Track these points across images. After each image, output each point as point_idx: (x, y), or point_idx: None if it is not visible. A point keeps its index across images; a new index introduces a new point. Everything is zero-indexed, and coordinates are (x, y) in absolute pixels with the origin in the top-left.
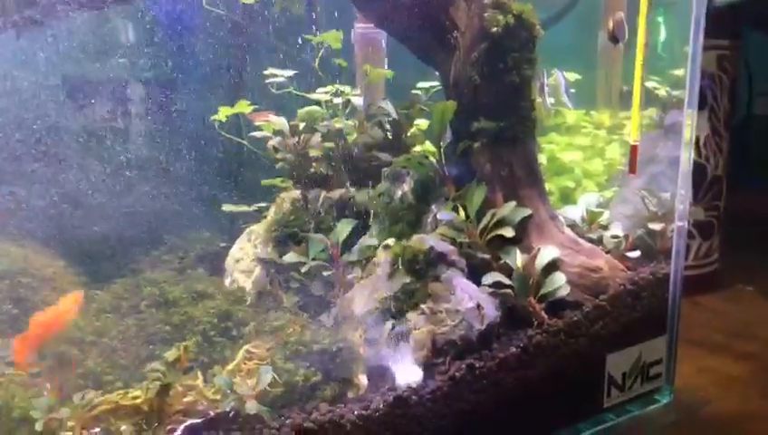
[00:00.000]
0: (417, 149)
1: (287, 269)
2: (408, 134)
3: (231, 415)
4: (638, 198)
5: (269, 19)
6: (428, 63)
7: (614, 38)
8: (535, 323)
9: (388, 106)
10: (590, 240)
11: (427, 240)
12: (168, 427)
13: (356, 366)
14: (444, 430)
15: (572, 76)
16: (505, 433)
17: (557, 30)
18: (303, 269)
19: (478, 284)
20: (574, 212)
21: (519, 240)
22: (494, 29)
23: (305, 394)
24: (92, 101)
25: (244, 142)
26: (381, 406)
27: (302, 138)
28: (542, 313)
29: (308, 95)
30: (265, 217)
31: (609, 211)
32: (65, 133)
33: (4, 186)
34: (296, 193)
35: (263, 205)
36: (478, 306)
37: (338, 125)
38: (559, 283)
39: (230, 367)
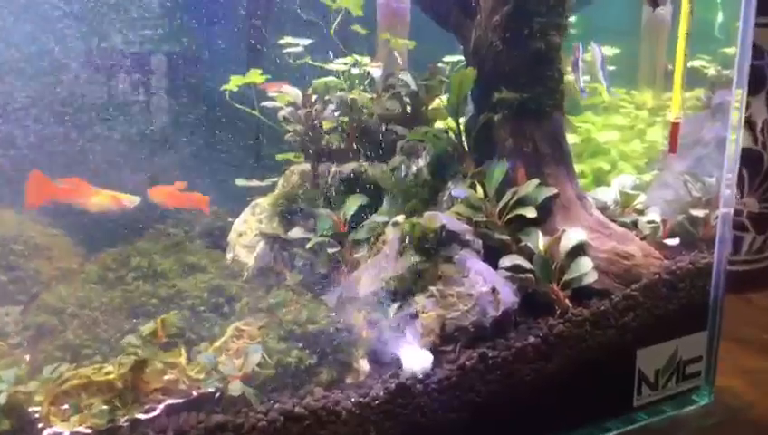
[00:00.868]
0: (440, 124)
1: (293, 245)
2: (430, 107)
3: (216, 396)
4: (680, 181)
5: None
6: (449, 30)
7: (654, 1)
8: (558, 311)
9: (407, 77)
10: (623, 225)
11: (439, 217)
12: (147, 406)
13: (356, 350)
14: (451, 424)
15: (611, 51)
16: (521, 428)
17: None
18: (308, 245)
19: (495, 267)
20: (607, 194)
21: (542, 221)
22: None
23: (299, 378)
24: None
25: (256, 114)
26: (382, 394)
27: (313, 109)
28: (566, 300)
29: (325, 66)
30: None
31: (648, 195)
32: (73, 101)
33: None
34: (306, 166)
35: (276, 180)
36: (493, 291)
37: (353, 96)
38: (585, 268)
39: (217, 344)
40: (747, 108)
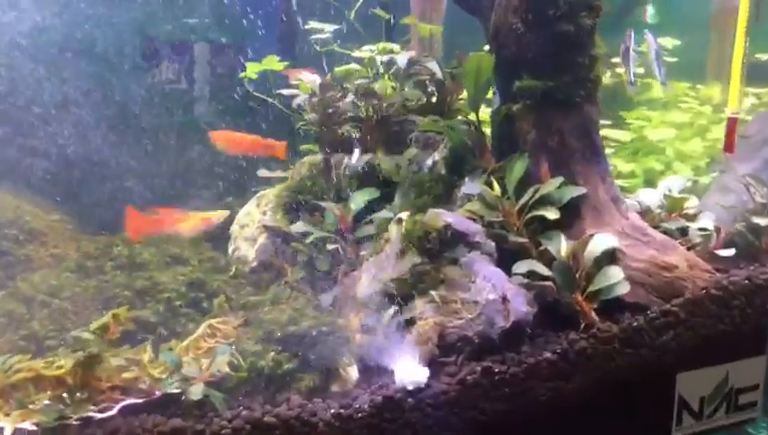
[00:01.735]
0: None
1: (296, 240)
2: (456, 97)
3: (183, 399)
4: (742, 186)
5: None
6: (473, 13)
7: None
8: (582, 325)
9: (432, 65)
10: (667, 232)
11: (444, 215)
12: (103, 405)
13: (344, 356)
14: None
15: (670, 42)
16: None
17: None
18: (308, 240)
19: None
20: (652, 197)
21: (568, 224)
22: None
23: (276, 383)
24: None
25: (275, 102)
26: (366, 407)
27: (328, 96)
28: (592, 313)
29: (351, 52)
30: None
31: (703, 199)
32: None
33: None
34: (317, 157)
35: None
36: (503, 299)
37: (372, 85)
38: (614, 278)
39: (185, 343)
40: None
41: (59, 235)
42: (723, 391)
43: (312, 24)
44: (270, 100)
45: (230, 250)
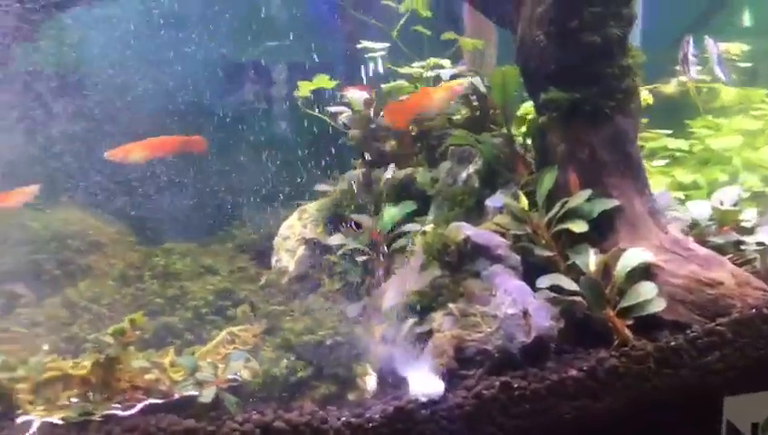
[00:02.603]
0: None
1: (333, 252)
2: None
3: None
4: None
5: None
6: (504, 26)
7: None
8: (615, 342)
9: (475, 79)
10: (716, 247)
11: (464, 229)
12: (127, 404)
13: (361, 366)
14: None
15: (739, 48)
16: None
17: None
18: (339, 252)
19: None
20: (701, 210)
21: (600, 238)
22: None
23: (292, 390)
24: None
25: (326, 118)
26: (378, 417)
27: (371, 112)
28: (626, 330)
29: (399, 69)
30: None
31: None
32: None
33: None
34: (359, 172)
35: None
36: (525, 314)
37: None
38: (648, 294)
39: (205, 348)
40: None
41: (119, 246)
42: None
43: (365, 44)
44: (322, 117)
45: (273, 261)
